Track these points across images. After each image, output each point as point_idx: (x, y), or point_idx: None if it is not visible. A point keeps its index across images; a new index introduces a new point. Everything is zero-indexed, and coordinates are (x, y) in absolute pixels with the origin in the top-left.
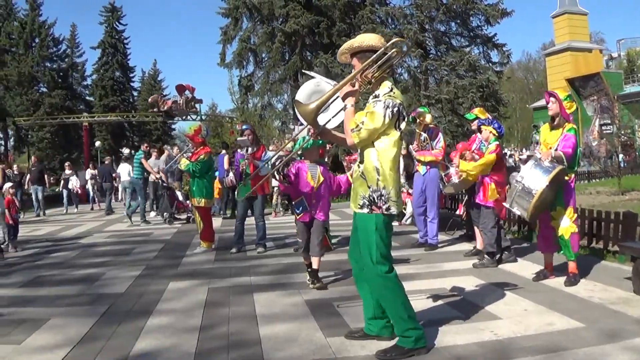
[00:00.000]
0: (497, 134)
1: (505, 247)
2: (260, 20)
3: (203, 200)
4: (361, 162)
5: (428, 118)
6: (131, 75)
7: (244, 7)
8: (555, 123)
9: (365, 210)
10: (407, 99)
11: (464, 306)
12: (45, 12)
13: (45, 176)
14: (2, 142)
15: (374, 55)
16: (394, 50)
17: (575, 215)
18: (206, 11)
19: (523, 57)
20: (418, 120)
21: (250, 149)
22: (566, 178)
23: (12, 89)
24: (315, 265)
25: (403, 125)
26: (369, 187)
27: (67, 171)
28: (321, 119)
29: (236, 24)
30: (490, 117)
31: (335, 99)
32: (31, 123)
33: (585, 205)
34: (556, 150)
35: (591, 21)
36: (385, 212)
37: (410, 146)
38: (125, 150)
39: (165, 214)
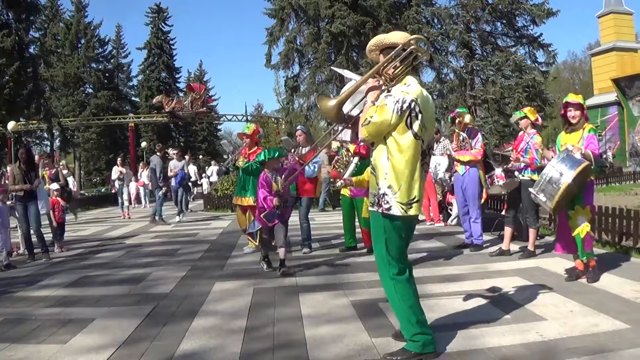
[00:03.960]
0: None
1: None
2: (306, 21)
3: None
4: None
5: (467, 118)
6: (177, 76)
7: (290, 8)
8: (575, 126)
9: (375, 209)
10: (453, 99)
11: (510, 307)
12: (91, 13)
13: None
14: (48, 143)
15: (393, 52)
16: (412, 47)
17: (591, 215)
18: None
19: (569, 57)
20: (457, 120)
21: (301, 149)
22: (591, 178)
23: (57, 90)
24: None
25: (416, 125)
26: (377, 184)
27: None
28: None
29: (282, 24)
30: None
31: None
32: (77, 124)
33: (631, 206)
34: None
35: (637, 21)
36: (385, 212)
37: (450, 146)
38: (172, 151)
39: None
